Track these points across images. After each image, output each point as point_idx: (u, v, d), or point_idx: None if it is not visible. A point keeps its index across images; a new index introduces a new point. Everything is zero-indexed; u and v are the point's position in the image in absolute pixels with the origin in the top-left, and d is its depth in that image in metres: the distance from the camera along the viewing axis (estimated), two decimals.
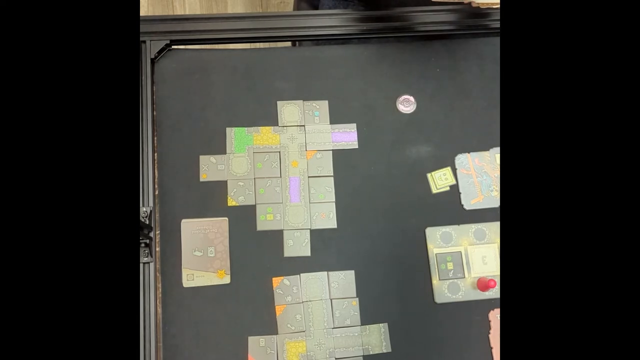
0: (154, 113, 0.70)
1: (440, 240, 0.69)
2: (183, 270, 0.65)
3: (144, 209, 0.65)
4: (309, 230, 0.68)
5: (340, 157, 0.71)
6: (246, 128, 0.71)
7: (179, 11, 1.50)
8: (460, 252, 0.68)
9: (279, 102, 0.72)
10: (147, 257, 0.63)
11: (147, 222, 0.64)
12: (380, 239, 0.68)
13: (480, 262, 0.68)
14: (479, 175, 0.71)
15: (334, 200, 0.69)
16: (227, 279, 0.65)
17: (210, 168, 0.68)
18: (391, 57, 0.75)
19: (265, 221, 0.67)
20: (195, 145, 0.69)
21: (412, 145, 0.72)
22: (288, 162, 0.70)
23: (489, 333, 0.66)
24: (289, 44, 0.88)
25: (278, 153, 0.70)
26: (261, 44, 0.95)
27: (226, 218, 0.67)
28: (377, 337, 0.65)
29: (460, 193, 0.71)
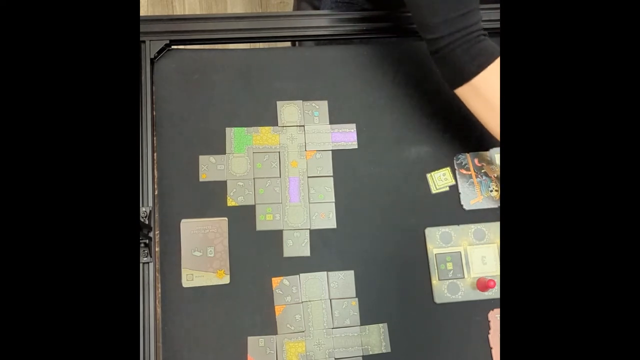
0: (154, 113, 0.70)
1: (439, 241, 0.69)
2: (182, 270, 0.65)
3: (144, 209, 0.65)
4: (308, 231, 0.68)
5: (339, 157, 0.71)
6: (246, 128, 0.70)
7: (178, 11, 1.50)
8: (460, 252, 0.68)
9: (278, 102, 0.72)
10: (146, 257, 0.63)
11: (147, 222, 0.64)
12: (379, 239, 0.68)
13: (480, 262, 0.68)
14: (478, 176, 0.71)
15: (333, 200, 0.69)
16: (226, 279, 0.65)
17: (209, 168, 0.68)
18: (391, 57, 0.75)
19: (264, 221, 0.67)
20: (195, 145, 0.69)
21: (412, 145, 0.72)
22: (287, 162, 0.70)
23: (489, 333, 0.66)
24: (288, 44, 0.88)
25: (277, 153, 0.70)
26: (261, 44, 0.95)
27: (226, 218, 0.67)
28: (377, 337, 0.65)
29: (459, 193, 0.71)
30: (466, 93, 0.61)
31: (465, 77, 0.60)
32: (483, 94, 0.60)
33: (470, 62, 0.58)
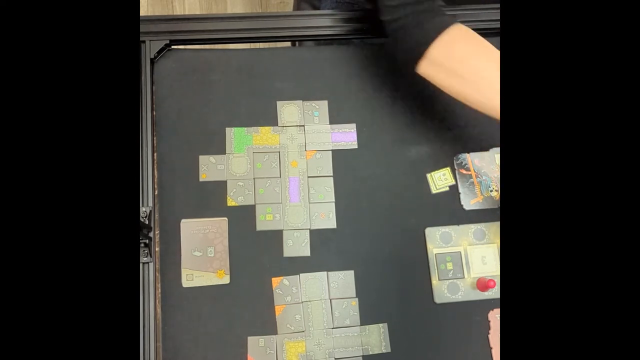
0: (154, 113, 0.70)
1: (439, 241, 0.69)
2: (182, 270, 0.65)
3: (144, 209, 0.65)
4: (308, 230, 0.68)
5: (339, 157, 0.71)
6: (246, 128, 0.70)
7: (178, 11, 1.50)
8: (460, 252, 0.68)
9: (278, 102, 0.72)
10: (146, 257, 0.63)
11: (147, 222, 0.64)
12: (379, 239, 0.68)
13: (480, 262, 0.68)
14: (478, 176, 0.72)
15: (333, 200, 0.69)
16: (226, 279, 0.65)
17: (209, 168, 0.68)
18: (391, 57, 0.75)
19: (264, 221, 0.67)
20: (195, 145, 0.69)
21: (412, 145, 0.72)
22: (287, 162, 0.70)
23: (489, 333, 0.66)
24: (288, 44, 0.88)
25: (277, 153, 0.70)
26: (261, 44, 0.95)
27: (226, 218, 0.67)
28: (377, 337, 0.65)
29: (459, 193, 0.71)
30: (427, 69, 0.60)
31: (418, 52, 0.58)
32: (442, 64, 0.58)
33: (420, 36, 0.57)
